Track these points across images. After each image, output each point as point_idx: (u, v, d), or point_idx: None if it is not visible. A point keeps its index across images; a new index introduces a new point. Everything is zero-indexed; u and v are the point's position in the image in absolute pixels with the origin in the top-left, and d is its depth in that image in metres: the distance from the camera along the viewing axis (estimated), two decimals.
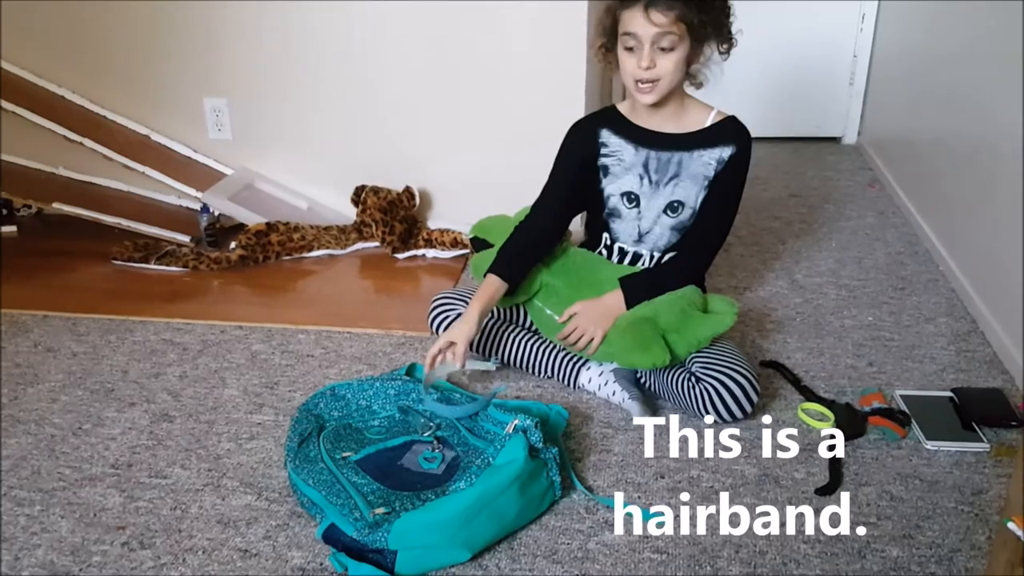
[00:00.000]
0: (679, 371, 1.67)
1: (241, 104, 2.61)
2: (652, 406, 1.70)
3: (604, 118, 1.81)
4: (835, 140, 3.48)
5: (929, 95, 2.60)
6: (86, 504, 1.45)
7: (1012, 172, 1.90)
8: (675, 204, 1.75)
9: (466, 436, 1.51)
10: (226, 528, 1.39)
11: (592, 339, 1.70)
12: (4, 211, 2.69)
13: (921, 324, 2.04)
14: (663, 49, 1.60)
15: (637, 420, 1.63)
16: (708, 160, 1.72)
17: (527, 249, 1.82)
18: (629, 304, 1.73)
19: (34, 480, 1.51)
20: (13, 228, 2.64)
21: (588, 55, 2.24)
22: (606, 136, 1.78)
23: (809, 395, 1.75)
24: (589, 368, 1.76)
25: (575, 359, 1.78)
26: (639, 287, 1.74)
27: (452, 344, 1.67)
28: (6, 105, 2.42)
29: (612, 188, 1.80)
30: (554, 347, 1.80)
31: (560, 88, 2.33)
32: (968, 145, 2.22)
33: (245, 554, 1.34)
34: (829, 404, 1.70)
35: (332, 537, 1.33)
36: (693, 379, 1.64)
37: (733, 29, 1.67)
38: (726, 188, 1.74)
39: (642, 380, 1.73)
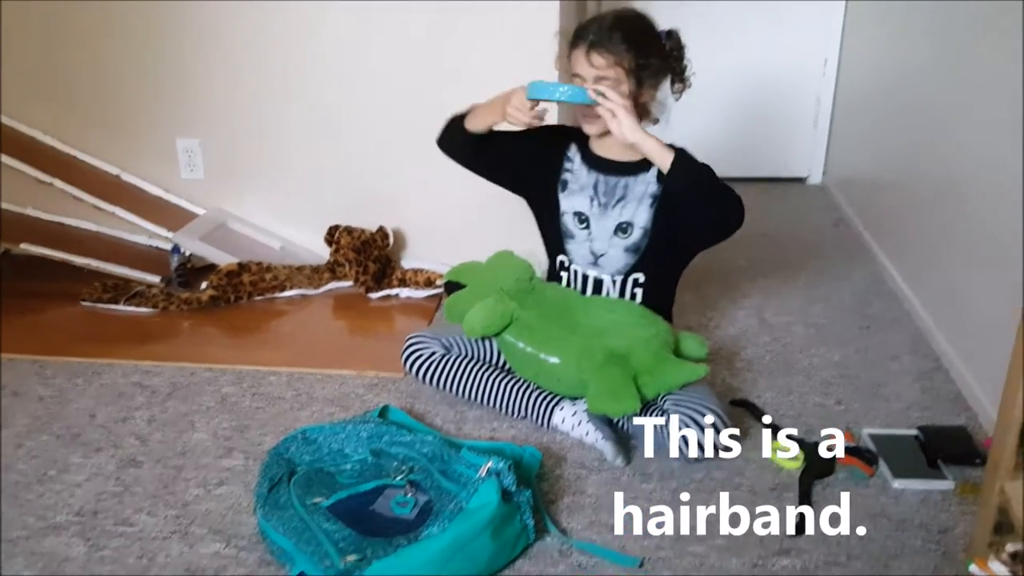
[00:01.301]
0: (652, 409, 1.69)
1: (214, 144, 2.61)
2: (625, 447, 1.70)
3: (577, 136, 1.90)
4: (801, 180, 3.55)
5: (891, 136, 2.67)
6: (50, 554, 1.42)
7: (973, 211, 1.96)
8: (624, 225, 1.83)
9: (439, 479, 1.51)
10: None
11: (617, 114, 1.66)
12: None
13: (887, 362, 2.08)
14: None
15: (611, 460, 1.64)
16: (648, 179, 1.82)
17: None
18: (671, 159, 1.67)
19: None
20: None
21: None
22: (572, 152, 1.89)
23: (779, 434, 1.77)
24: (563, 408, 1.76)
25: (549, 399, 1.78)
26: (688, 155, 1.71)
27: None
28: None
29: (566, 205, 1.89)
30: (527, 386, 1.80)
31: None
32: (930, 185, 2.28)
33: None
34: (799, 443, 1.72)
35: None
36: (664, 416, 1.65)
37: (687, 71, 1.79)
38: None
39: (615, 419, 1.74)
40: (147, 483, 1.61)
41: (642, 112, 1.79)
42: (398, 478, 1.53)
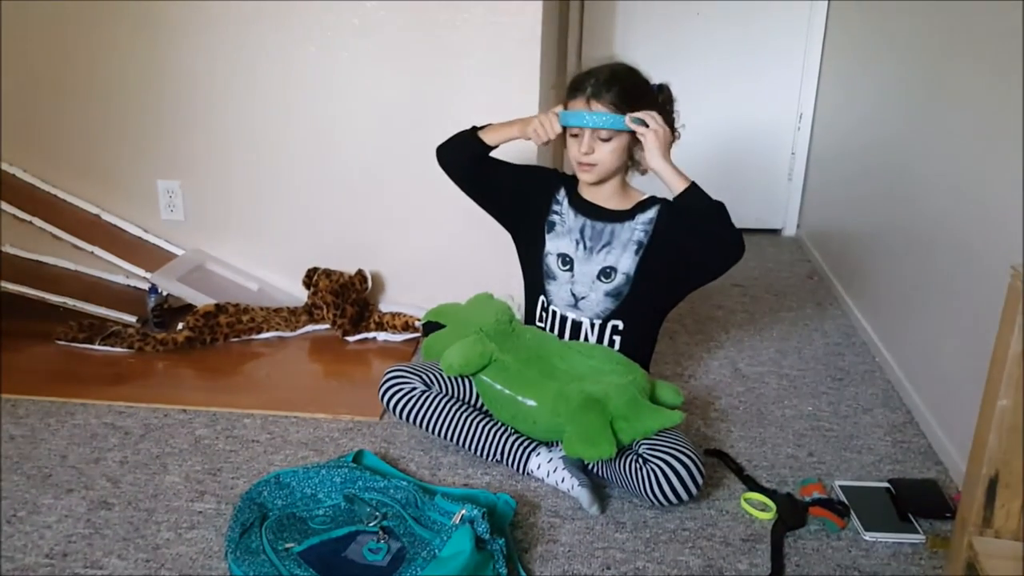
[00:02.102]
0: (627, 453, 1.70)
1: (194, 186, 2.62)
2: (600, 494, 1.71)
3: (566, 180, 1.96)
4: (776, 232, 3.62)
5: (864, 190, 2.74)
6: None
7: (944, 266, 2.01)
8: (607, 270, 1.87)
9: (412, 526, 1.50)
10: None
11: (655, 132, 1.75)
12: None
13: (859, 415, 2.11)
14: (602, 139, 1.80)
15: (586, 508, 1.65)
16: (635, 226, 1.87)
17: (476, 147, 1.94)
18: (685, 186, 1.76)
19: None
20: None
21: None
22: (562, 195, 1.95)
23: (752, 484, 1.78)
24: (539, 454, 1.77)
25: (525, 444, 1.79)
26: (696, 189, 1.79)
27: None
28: None
29: (551, 246, 1.93)
30: (504, 430, 1.81)
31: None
32: (902, 239, 2.34)
33: None
34: (771, 494, 1.73)
35: None
36: (640, 460, 1.66)
37: (677, 124, 1.86)
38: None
39: (589, 465, 1.75)
40: (118, 526, 1.59)
41: (632, 163, 1.88)
42: (371, 524, 1.52)
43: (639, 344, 1.94)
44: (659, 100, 1.84)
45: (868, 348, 2.48)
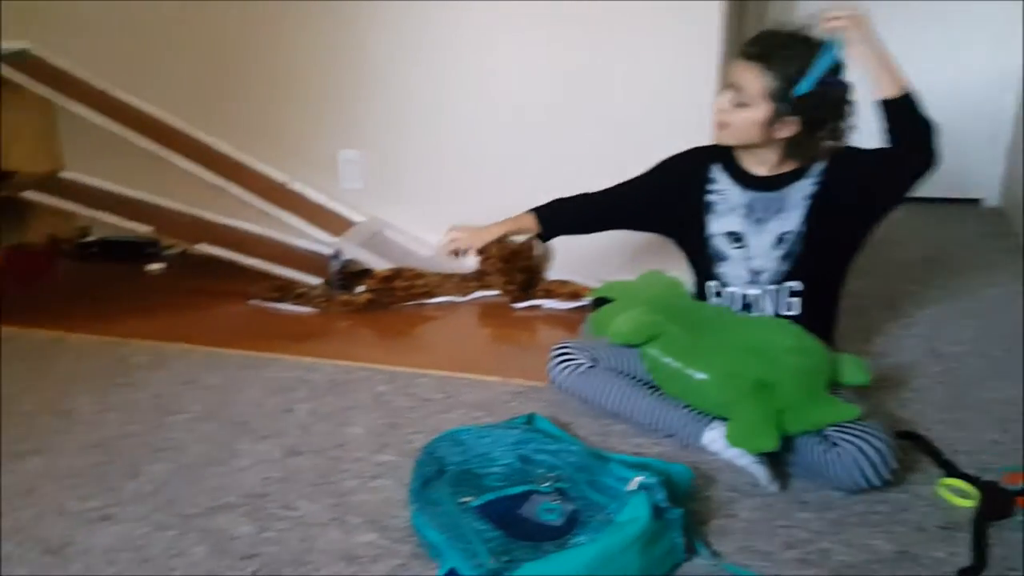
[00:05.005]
0: (812, 434, 1.61)
1: (374, 156, 2.73)
2: (781, 472, 1.63)
3: (718, 154, 1.86)
4: (974, 202, 3.32)
5: None
6: (220, 531, 1.51)
7: None
8: (782, 236, 1.79)
9: (586, 490, 1.49)
10: (351, 564, 1.42)
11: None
12: (153, 250, 2.90)
13: None
14: (739, 104, 1.71)
15: (764, 485, 1.58)
16: (804, 185, 1.78)
17: (575, 217, 2.06)
18: (896, 93, 1.66)
19: (172, 506, 1.59)
20: (161, 266, 2.83)
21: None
22: (716, 172, 1.85)
23: (951, 470, 1.65)
24: (714, 428, 1.71)
25: (700, 417, 1.74)
26: None
27: (456, 239, 2.04)
28: (161, 151, 2.61)
29: (715, 227, 1.84)
30: (676, 403, 1.76)
31: (688, 142, 2.33)
32: None
33: None
34: (972, 480, 1.60)
35: None
36: (827, 443, 1.57)
37: (844, 126, 1.72)
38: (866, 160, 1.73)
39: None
40: (308, 472, 1.69)
41: (785, 149, 1.75)
42: (545, 485, 1.52)
43: (820, 309, 1.83)
44: (827, 94, 1.66)
45: None
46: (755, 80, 1.68)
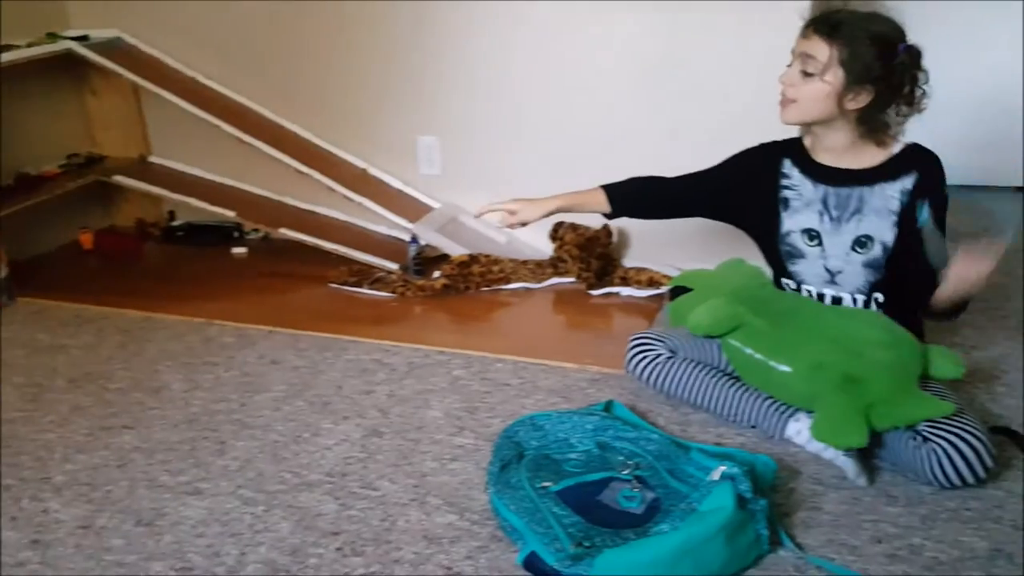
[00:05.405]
0: (904, 429, 1.56)
1: (451, 142, 2.74)
2: (869, 465, 1.59)
3: (789, 148, 1.79)
4: None
5: None
6: (304, 508, 1.55)
7: None
8: (862, 239, 1.69)
9: (666, 478, 1.48)
10: (431, 544, 1.44)
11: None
12: (237, 234, 2.98)
13: None
14: (807, 73, 1.62)
15: (852, 479, 1.54)
16: (890, 193, 1.67)
17: (647, 199, 2.00)
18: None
19: (258, 482, 1.63)
20: (244, 250, 2.91)
21: None
22: (788, 167, 1.77)
23: None
24: (798, 420, 1.67)
25: (783, 409, 1.70)
26: None
27: (514, 212, 1.97)
28: (247, 138, 2.67)
29: (791, 224, 1.76)
30: (759, 394, 1.73)
31: (777, 133, 2.28)
32: None
33: (449, 571, 1.38)
34: None
35: (533, 565, 1.34)
36: (919, 438, 1.52)
37: (919, 94, 1.62)
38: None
39: None
40: (388, 452, 1.71)
41: (858, 122, 1.65)
42: (625, 472, 1.52)
43: (910, 317, 1.75)
44: (897, 60, 1.58)
45: None
46: (825, 47, 1.59)
